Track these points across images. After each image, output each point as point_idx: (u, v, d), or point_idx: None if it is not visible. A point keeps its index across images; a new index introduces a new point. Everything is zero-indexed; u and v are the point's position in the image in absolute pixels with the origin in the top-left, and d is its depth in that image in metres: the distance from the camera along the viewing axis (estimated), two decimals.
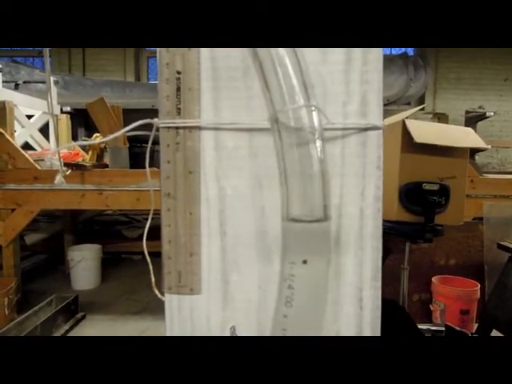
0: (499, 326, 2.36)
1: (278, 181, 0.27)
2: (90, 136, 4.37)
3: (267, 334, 0.36)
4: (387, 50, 5.92)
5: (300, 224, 0.29)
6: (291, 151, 0.22)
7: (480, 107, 5.21)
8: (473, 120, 5.35)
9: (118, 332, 2.61)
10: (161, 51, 0.28)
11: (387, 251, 2.32)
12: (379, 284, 0.41)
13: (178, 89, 0.25)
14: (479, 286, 2.59)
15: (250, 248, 0.28)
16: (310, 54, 0.27)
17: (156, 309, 3.03)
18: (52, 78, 3.80)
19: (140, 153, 2.96)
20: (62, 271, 3.79)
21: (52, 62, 5.51)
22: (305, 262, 0.29)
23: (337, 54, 0.27)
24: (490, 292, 2.50)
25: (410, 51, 5.72)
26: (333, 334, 0.44)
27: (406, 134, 2.25)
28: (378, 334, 0.49)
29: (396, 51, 5.72)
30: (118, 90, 5.00)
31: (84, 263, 3.39)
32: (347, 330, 0.41)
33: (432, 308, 2.70)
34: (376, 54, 0.35)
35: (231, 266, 0.28)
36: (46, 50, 2.22)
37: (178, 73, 0.25)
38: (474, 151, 5.07)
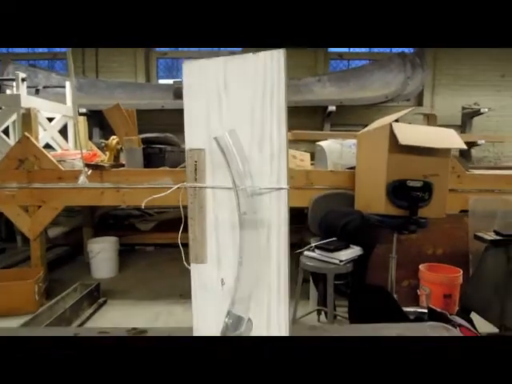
0: (476, 308, 2.62)
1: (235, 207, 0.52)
2: (105, 136, 4.66)
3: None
4: (387, 49, 6.10)
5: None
6: (242, 199, 0.47)
7: (475, 103, 5.39)
8: (469, 116, 5.55)
9: (136, 315, 2.92)
10: (187, 151, 0.53)
11: (374, 242, 2.58)
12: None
13: (196, 169, 0.50)
14: (461, 272, 2.83)
15: (229, 235, 0.53)
16: (252, 150, 0.50)
17: (168, 296, 3.33)
18: (69, 83, 4.09)
19: (152, 153, 3.23)
20: (82, 261, 4.12)
21: (66, 64, 5.80)
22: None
23: (265, 150, 0.51)
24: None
25: (408, 49, 5.90)
26: None
27: (393, 136, 2.50)
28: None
29: (395, 50, 5.91)
30: (129, 91, 5.28)
31: (103, 254, 3.69)
32: None
33: (419, 293, 2.97)
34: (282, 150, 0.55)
35: (221, 247, 0.53)
36: (71, 62, 2.48)
37: (195, 162, 0.50)
38: (470, 146, 5.28)
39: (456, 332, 0.70)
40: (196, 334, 0.53)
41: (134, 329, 1.12)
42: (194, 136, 0.50)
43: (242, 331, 0.49)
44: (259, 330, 0.50)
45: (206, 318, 0.52)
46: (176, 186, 0.52)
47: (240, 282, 0.48)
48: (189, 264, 0.52)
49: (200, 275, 0.51)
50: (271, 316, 0.50)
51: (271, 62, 0.48)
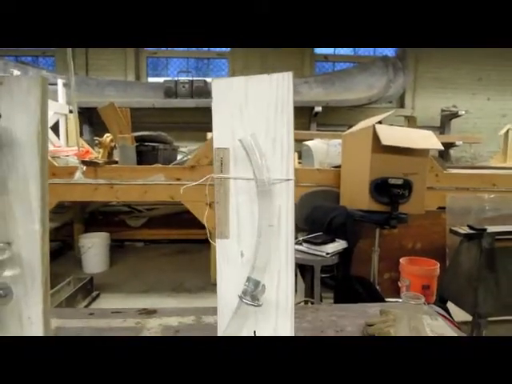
0: (452, 298, 2.81)
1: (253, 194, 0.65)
2: (95, 133, 4.72)
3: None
4: (371, 51, 6.31)
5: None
6: (261, 187, 0.60)
7: (454, 106, 5.64)
8: (447, 118, 5.80)
9: (129, 307, 3.02)
10: (215, 150, 0.65)
11: (358, 236, 2.75)
12: None
13: (221, 164, 0.63)
14: (438, 265, 3.03)
15: (247, 216, 0.66)
16: (267, 150, 0.63)
17: (160, 288, 3.44)
18: (61, 81, 4.14)
19: (146, 151, 3.32)
20: (73, 256, 4.17)
21: (56, 62, 5.81)
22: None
23: (277, 150, 0.64)
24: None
25: (391, 53, 6.12)
26: None
27: (376, 137, 2.67)
28: None
29: (378, 52, 6.13)
30: (120, 89, 5.32)
31: (94, 249, 3.77)
32: None
33: (400, 284, 3.15)
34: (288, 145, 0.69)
35: (241, 226, 0.67)
36: (70, 61, 2.55)
37: (222, 159, 0.63)
38: (448, 147, 5.52)
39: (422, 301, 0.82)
40: (220, 298, 0.66)
41: (144, 309, 1.25)
42: (221, 138, 0.63)
43: (258, 293, 0.62)
44: (270, 292, 0.64)
45: (228, 284, 0.65)
46: (206, 177, 0.65)
47: (258, 253, 0.61)
48: (214, 241, 0.65)
49: (224, 249, 0.64)
50: (280, 281, 0.64)
51: (282, 81, 0.61)
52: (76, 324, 1.08)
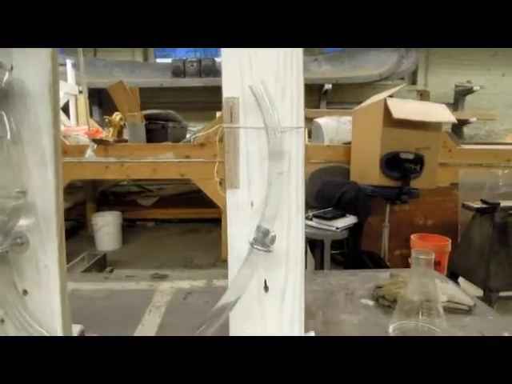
0: (463, 273, 2.81)
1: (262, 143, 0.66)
2: (105, 113, 4.73)
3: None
4: None
5: None
6: (271, 135, 0.60)
7: (468, 81, 5.51)
8: (461, 93, 5.67)
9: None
10: (224, 99, 0.65)
11: (368, 211, 2.74)
12: None
13: (231, 113, 0.63)
14: (450, 241, 3.01)
15: (257, 165, 0.67)
16: (276, 99, 0.63)
17: (172, 265, 3.50)
18: (70, 61, 4.14)
19: (155, 129, 3.33)
20: (86, 235, 4.25)
21: None
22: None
23: (286, 99, 0.64)
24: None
25: None
26: None
27: (387, 111, 2.63)
28: None
29: None
30: (128, 70, 5.31)
31: (107, 228, 3.83)
32: None
33: (410, 261, 3.15)
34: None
35: (251, 175, 0.67)
36: (80, 50, 2.54)
37: (231, 108, 0.63)
38: (462, 124, 5.42)
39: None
40: (230, 248, 0.66)
41: (157, 274, 1.27)
42: (230, 87, 0.63)
43: (268, 242, 0.63)
44: (281, 241, 0.64)
45: (238, 234, 0.65)
46: (217, 126, 0.65)
47: (268, 202, 0.62)
48: (224, 192, 0.65)
49: (234, 199, 0.65)
50: (291, 228, 0.65)
51: None
52: (91, 287, 1.10)
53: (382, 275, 1.21)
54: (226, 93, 0.62)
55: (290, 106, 0.62)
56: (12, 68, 0.61)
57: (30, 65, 0.61)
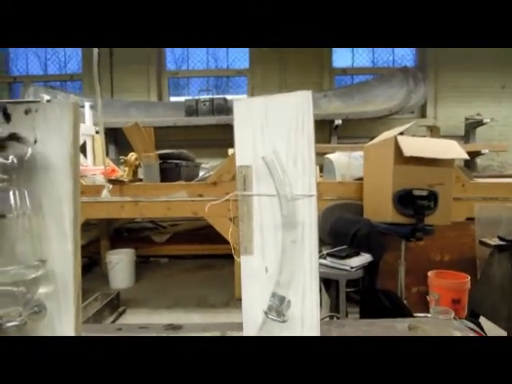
0: (484, 312, 2.71)
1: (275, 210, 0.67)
2: (120, 153, 4.86)
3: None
4: (389, 62, 6.29)
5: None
6: (284, 203, 0.61)
7: (478, 114, 5.53)
8: (472, 126, 5.68)
9: (155, 322, 3.05)
10: (238, 167, 0.67)
11: (383, 249, 2.70)
12: None
13: (244, 181, 0.65)
14: (469, 278, 2.93)
15: (271, 232, 0.67)
16: (288, 166, 0.65)
17: (185, 304, 3.46)
18: (88, 103, 4.31)
19: (169, 168, 3.40)
20: (100, 272, 4.26)
21: (82, 86, 6.07)
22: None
23: (299, 166, 0.65)
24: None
25: (410, 64, 6.09)
26: None
27: (398, 148, 2.64)
28: None
29: (397, 63, 6.11)
30: (143, 109, 5.50)
31: (121, 265, 3.84)
32: None
33: (428, 299, 3.06)
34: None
35: (265, 242, 0.68)
36: (97, 84, 2.65)
37: (244, 176, 0.65)
38: (474, 155, 5.39)
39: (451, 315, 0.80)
40: (245, 313, 0.66)
41: (170, 324, 1.26)
42: (243, 156, 0.65)
43: (283, 309, 0.63)
44: (296, 306, 0.64)
45: (253, 299, 0.65)
46: (230, 195, 0.66)
47: (282, 269, 0.62)
48: (238, 257, 0.66)
49: (248, 265, 0.65)
50: (305, 296, 0.64)
51: (301, 100, 0.63)
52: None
53: (401, 325, 1.18)
54: (239, 161, 0.64)
55: (302, 173, 0.63)
56: (36, 141, 0.65)
57: (52, 138, 0.64)
